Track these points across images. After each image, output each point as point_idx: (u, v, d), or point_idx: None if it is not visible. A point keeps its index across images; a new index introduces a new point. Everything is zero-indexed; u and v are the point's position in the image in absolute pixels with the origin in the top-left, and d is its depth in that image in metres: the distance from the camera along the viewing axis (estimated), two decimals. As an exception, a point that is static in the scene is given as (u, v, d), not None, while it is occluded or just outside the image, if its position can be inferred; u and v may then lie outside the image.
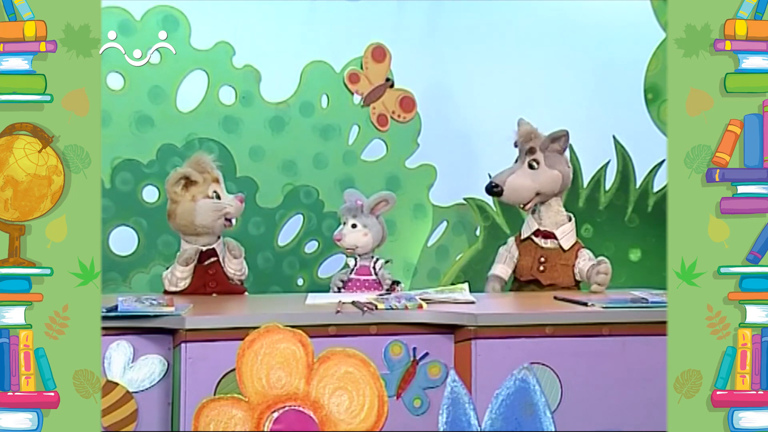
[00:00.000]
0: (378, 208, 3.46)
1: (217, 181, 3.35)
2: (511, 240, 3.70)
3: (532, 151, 3.60)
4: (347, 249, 3.45)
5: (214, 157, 3.42)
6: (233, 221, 3.37)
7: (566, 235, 3.59)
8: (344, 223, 3.46)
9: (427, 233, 4.21)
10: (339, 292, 3.39)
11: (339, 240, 3.44)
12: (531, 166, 3.60)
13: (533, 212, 3.65)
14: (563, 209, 3.65)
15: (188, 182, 3.30)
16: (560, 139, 3.60)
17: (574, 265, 3.55)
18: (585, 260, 3.54)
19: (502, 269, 3.66)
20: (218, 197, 3.33)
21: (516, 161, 3.66)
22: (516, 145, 3.65)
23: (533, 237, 3.62)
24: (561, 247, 3.57)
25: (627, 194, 4.24)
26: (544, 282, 3.56)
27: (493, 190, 3.62)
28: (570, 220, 3.63)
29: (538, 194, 3.59)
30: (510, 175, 3.60)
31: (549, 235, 3.60)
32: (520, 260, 3.63)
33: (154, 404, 2.74)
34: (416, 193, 4.17)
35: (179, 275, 3.30)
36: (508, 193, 3.59)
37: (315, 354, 2.34)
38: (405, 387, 2.81)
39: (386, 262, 3.48)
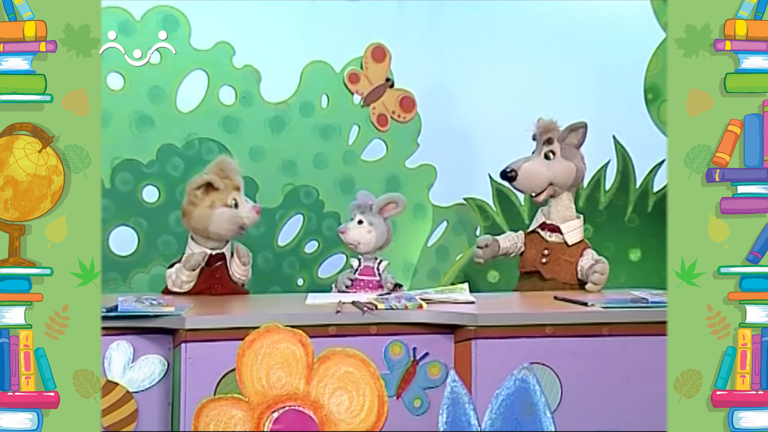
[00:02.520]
0: (387, 209, 3.46)
1: (237, 188, 3.33)
2: (521, 232, 3.72)
3: (549, 141, 3.61)
4: (349, 244, 3.44)
5: (238, 162, 3.40)
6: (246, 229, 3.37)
7: (572, 230, 3.59)
8: (351, 219, 3.45)
9: (427, 233, 4.21)
10: (346, 291, 3.38)
11: (343, 233, 3.43)
12: (547, 157, 3.61)
13: (541, 206, 3.66)
14: (573, 205, 3.65)
15: (209, 187, 3.29)
16: (578, 130, 3.62)
17: (577, 263, 3.56)
18: (588, 259, 3.55)
19: (502, 238, 3.68)
20: (236, 205, 3.31)
21: (533, 153, 3.67)
22: (534, 138, 3.66)
23: (539, 230, 3.63)
24: (565, 241, 3.58)
25: (627, 194, 4.24)
26: (546, 275, 3.57)
27: (508, 174, 3.62)
28: (578, 217, 3.64)
29: (551, 184, 3.59)
30: (525, 162, 3.61)
31: (554, 229, 3.60)
32: (524, 252, 3.65)
33: (154, 404, 2.74)
34: (416, 193, 4.17)
35: (185, 279, 3.28)
36: (521, 178, 3.60)
37: (315, 354, 2.34)
38: (405, 387, 2.81)
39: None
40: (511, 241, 3.69)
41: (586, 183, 4.19)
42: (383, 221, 3.45)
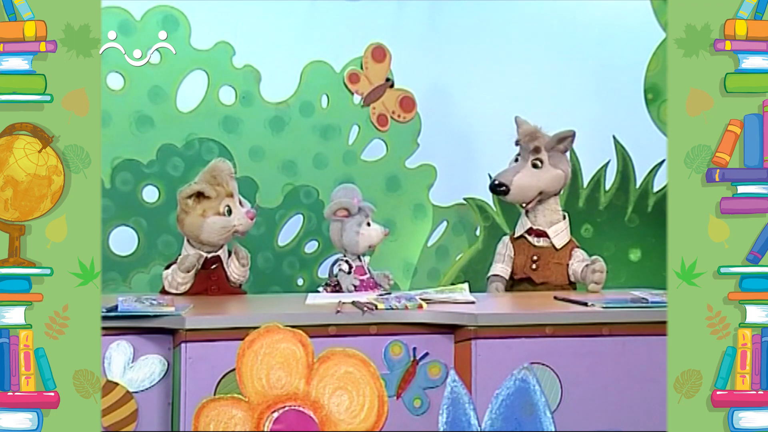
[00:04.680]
0: None
1: (230, 195, 3.30)
2: (506, 238, 3.70)
3: (536, 150, 3.59)
4: (370, 247, 3.45)
5: (232, 166, 3.38)
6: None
7: (559, 234, 3.59)
8: (361, 224, 3.42)
9: (427, 233, 4.21)
10: (339, 292, 3.38)
11: (387, 235, 3.48)
12: (535, 165, 3.59)
13: (527, 211, 3.65)
14: (560, 208, 3.65)
15: (201, 196, 3.28)
16: (566, 139, 3.60)
17: (567, 265, 3.55)
18: (579, 260, 3.55)
19: (501, 269, 3.66)
20: (230, 212, 3.29)
21: (516, 159, 3.65)
22: (517, 143, 3.64)
23: (526, 235, 3.62)
24: (553, 245, 3.57)
25: (627, 194, 4.24)
26: (537, 280, 3.57)
27: (499, 189, 3.60)
28: (564, 218, 3.63)
29: (540, 193, 3.58)
30: (515, 174, 3.58)
31: (542, 234, 3.60)
32: (514, 258, 3.63)
33: (154, 404, 2.74)
34: (416, 193, 4.17)
35: (180, 280, 3.28)
36: (514, 192, 3.58)
37: (315, 354, 2.33)
38: (405, 387, 2.82)
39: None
40: (506, 262, 3.64)
41: (586, 183, 4.19)
42: None
